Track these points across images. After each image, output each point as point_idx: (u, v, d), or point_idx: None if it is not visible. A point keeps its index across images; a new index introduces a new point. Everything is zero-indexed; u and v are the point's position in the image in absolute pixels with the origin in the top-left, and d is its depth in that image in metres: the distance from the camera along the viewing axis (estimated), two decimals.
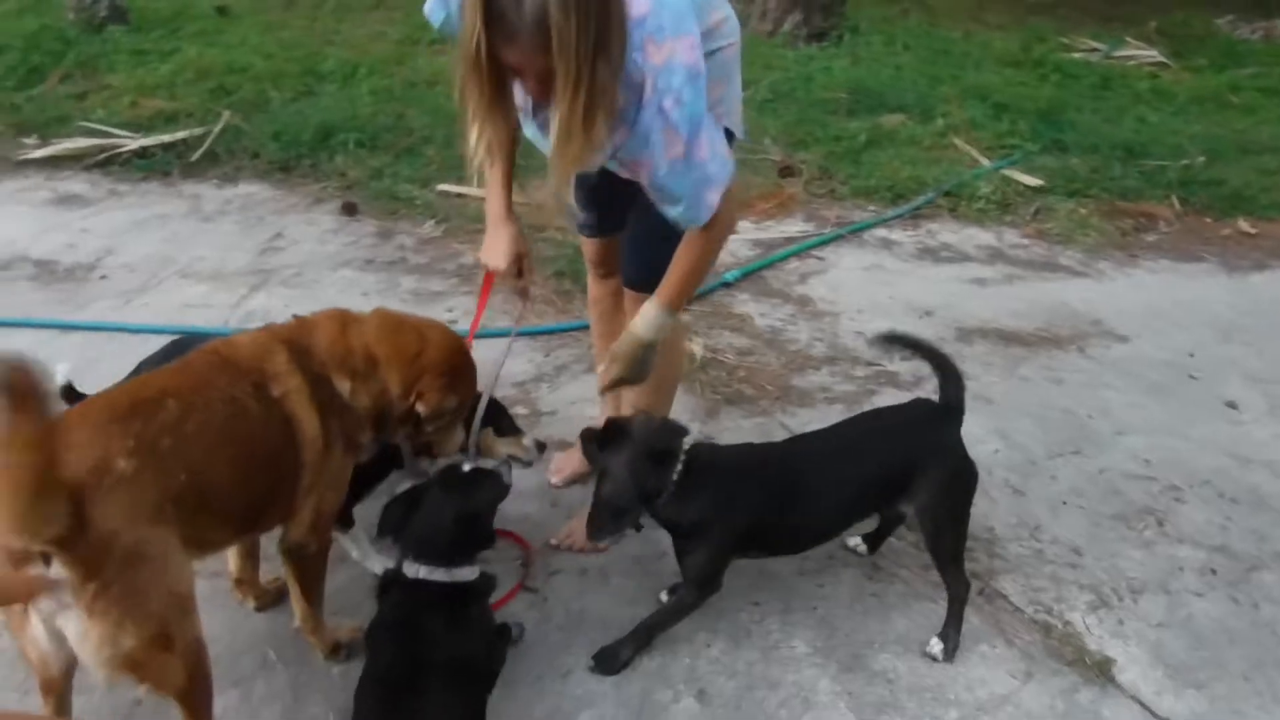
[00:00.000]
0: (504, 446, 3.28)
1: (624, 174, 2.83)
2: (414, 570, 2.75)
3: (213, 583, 3.19)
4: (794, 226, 5.81)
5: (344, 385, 2.74)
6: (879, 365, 4.57)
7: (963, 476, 3.18)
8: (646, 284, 3.18)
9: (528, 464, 3.33)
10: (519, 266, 3.09)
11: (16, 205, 5.64)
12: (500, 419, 3.32)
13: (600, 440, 3.00)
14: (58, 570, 2.14)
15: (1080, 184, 6.39)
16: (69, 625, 2.21)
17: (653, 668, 3.06)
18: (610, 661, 3.08)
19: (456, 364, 2.94)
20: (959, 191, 6.25)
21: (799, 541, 3.24)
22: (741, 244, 5.57)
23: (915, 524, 3.25)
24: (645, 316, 2.96)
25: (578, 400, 4.13)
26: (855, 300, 5.08)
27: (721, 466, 3.06)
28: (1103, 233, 5.95)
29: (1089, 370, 4.69)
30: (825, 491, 3.10)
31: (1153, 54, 8.86)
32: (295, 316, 2.86)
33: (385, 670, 2.64)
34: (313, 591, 2.94)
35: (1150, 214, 6.20)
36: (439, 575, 2.74)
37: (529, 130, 2.92)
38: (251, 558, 3.14)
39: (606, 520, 2.98)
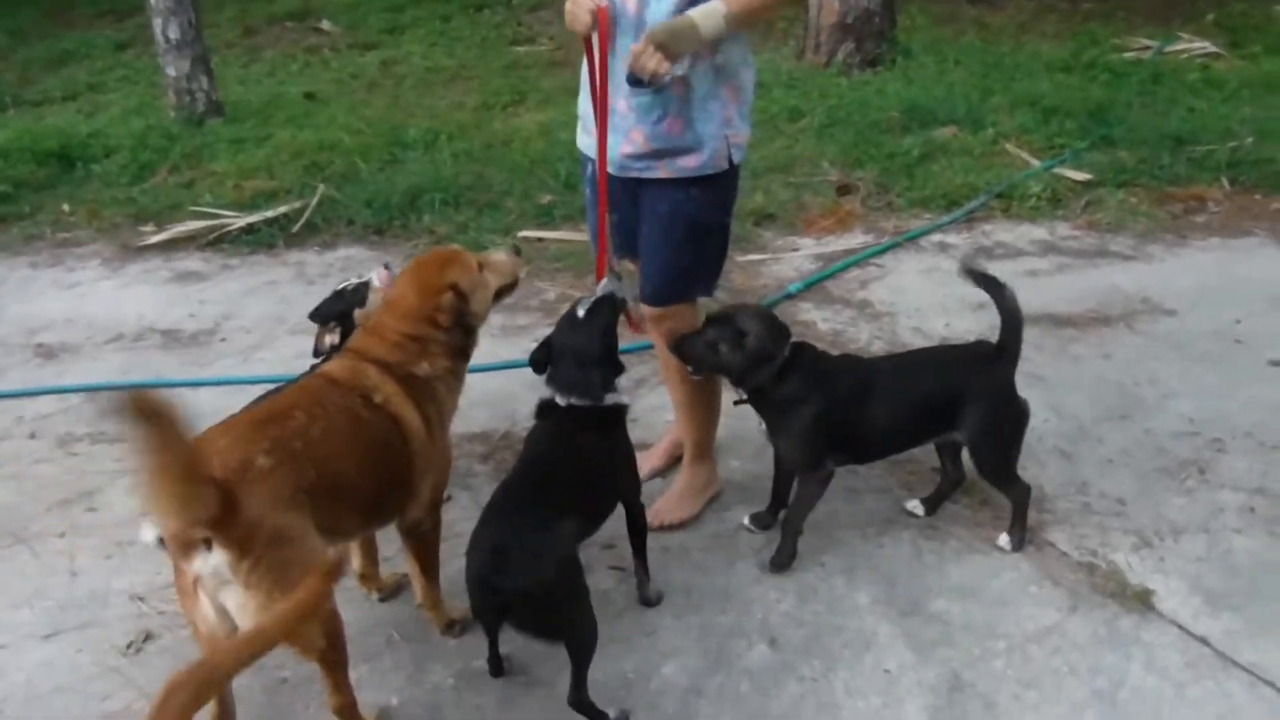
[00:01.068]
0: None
1: None
2: (565, 399, 3.29)
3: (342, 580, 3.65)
4: (854, 240, 6.16)
5: (423, 367, 3.21)
6: None
7: (1010, 409, 3.60)
8: (663, 298, 3.67)
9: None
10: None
11: (141, 285, 6.19)
12: None
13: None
14: (218, 553, 2.60)
15: (1129, 175, 6.61)
16: (230, 599, 2.65)
17: (728, 623, 3.42)
18: (780, 560, 3.62)
19: (442, 273, 3.30)
20: (1011, 193, 6.52)
21: (870, 444, 3.68)
22: (803, 259, 5.94)
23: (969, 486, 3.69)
24: (708, 6, 3.21)
25: (655, 408, 4.50)
26: (913, 301, 5.40)
27: (816, 360, 3.57)
28: (1153, 218, 6.18)
29: (1137, 344, 4.94)
30: (891, 398, 3.57)
31: (1205, 45, 8.99)
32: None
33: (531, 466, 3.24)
34: (430, 569, 3.38)
35: (1200, 196, 6.41)
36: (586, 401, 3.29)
37: None
38: (371, 555, 3.58)
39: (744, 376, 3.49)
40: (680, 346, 3.55)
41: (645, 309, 3.74)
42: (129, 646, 3.44)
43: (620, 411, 3.40)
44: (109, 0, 13.86)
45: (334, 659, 2.89)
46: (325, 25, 12.14)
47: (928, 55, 8.99)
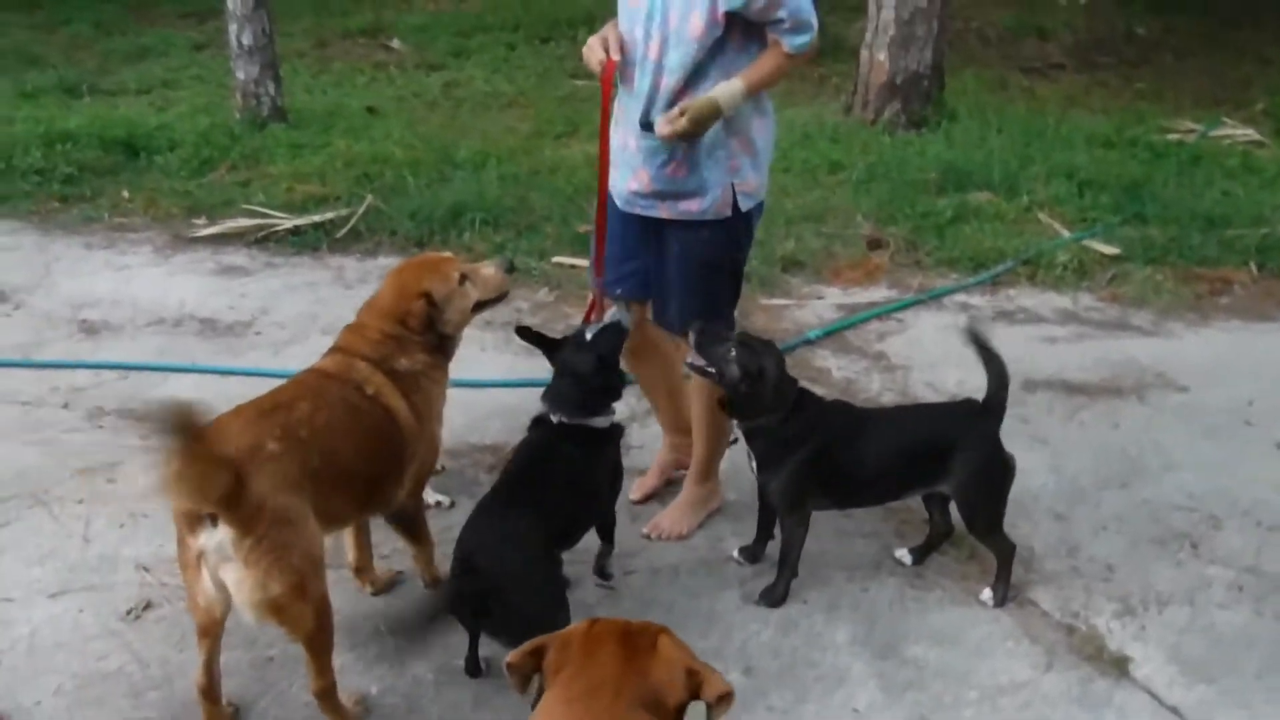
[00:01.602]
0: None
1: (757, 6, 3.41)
2: (556, 416, 3.45)
3: (337, 572, 3.77)
4: (878, 293, 6.25)
5: (402, 362, 3.38)
6: None
7: (996, 464, 3.70)
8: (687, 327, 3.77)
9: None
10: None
11: (187, 274, 6.40)
12: None
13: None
14: (222, 529, 2.75)
15: (1158, 252, 6.64)
16: (229, 574, 2.81)
17: (708, 647, 3.49)
18: (774, 598, 3.72)
19: (417, 276, 3.49)
20: (1038, 260, 6.57)
21: (856, 490, 3.80)
22: (826, 307, 6.04)
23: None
24: (726, 87, 3.44)
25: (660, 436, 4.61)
26: (929, 356, 5.48)
27: (814, 404, 3.72)
28: (1177, 296, 6.21)
29: (1146, 416, 4.99)
30: (881, 447, 3.71)
31: (1250, 133, 9.01)
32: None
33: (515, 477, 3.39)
34: (421, 535, 3.61)
35: (1226, 278, 6.44)
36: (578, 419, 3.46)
37: None
38: (365, 550, 3.72)
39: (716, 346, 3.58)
40: (702, 339, 3.60)
41: (669, 336, 3.97)
42: (129, 613, 3.60)
43: (608, 433, 3.54)
44: (191, 2, 14.24)
45: (320, 642, 3.02)
46: (395, 44, 12.40)
47: (972, 119, 9.07)
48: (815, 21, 3.51)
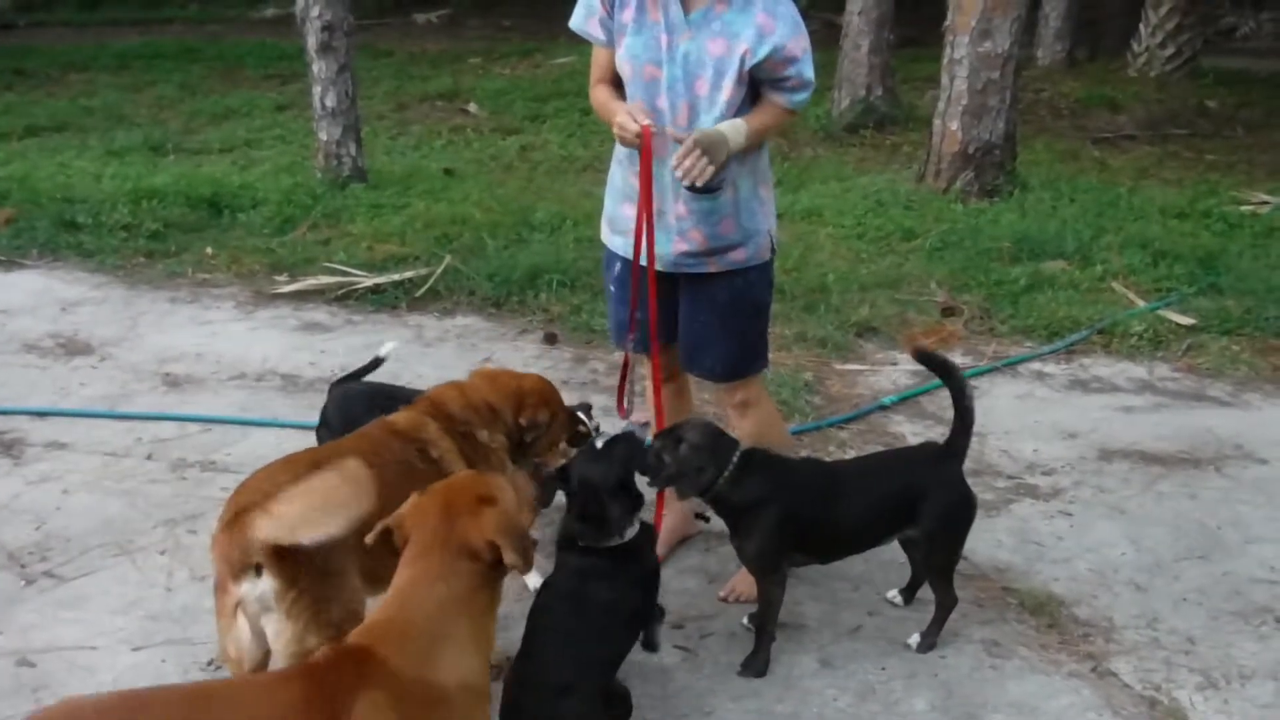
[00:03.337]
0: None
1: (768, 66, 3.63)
2: (585, 541, 3.37)
3: None
4: (953, 360, 6.23)
5: (483, 433, 3.49)
6: (1019, 479, 4.94)
7: (959, 505, 3.77)
8: (734, 373, 4.03)
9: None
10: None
11: (269, 330, 6.54)
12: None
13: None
14: (266, 579, 2.79)
15: (1234, 323, 6.57)
16: (269, 624, 2.84)
17: (784, 712, 3.50)
18: (754, 665, 3.70)
19: (543, 388, 3.77)
20: (1113, 330, 6.53)
21: (833, 543, 3.83)
22: (901, 373, 6.03)
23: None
24: (730, 124, 3.61)
25: None
26: (1004, 423, 5.46)
27: (769, 463, 3.73)
28: (1254, 367, 6.14)
29: (1225, 488, 4.93)
30: (853, 497, 3.75)
31: None
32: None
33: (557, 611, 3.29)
34: None
35: None
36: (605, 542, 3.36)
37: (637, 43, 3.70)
38: None
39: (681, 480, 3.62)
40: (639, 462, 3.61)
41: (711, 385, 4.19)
42: (210, 663, 3.65)
43: (638, 541, 3.43)
44: (275, 65, 14.66)
45: None
46: (472, 108, 12.66)
47: (1045, 190, 9.07)
48: (814, 81, 3.75)
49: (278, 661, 2.89)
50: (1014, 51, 8.89)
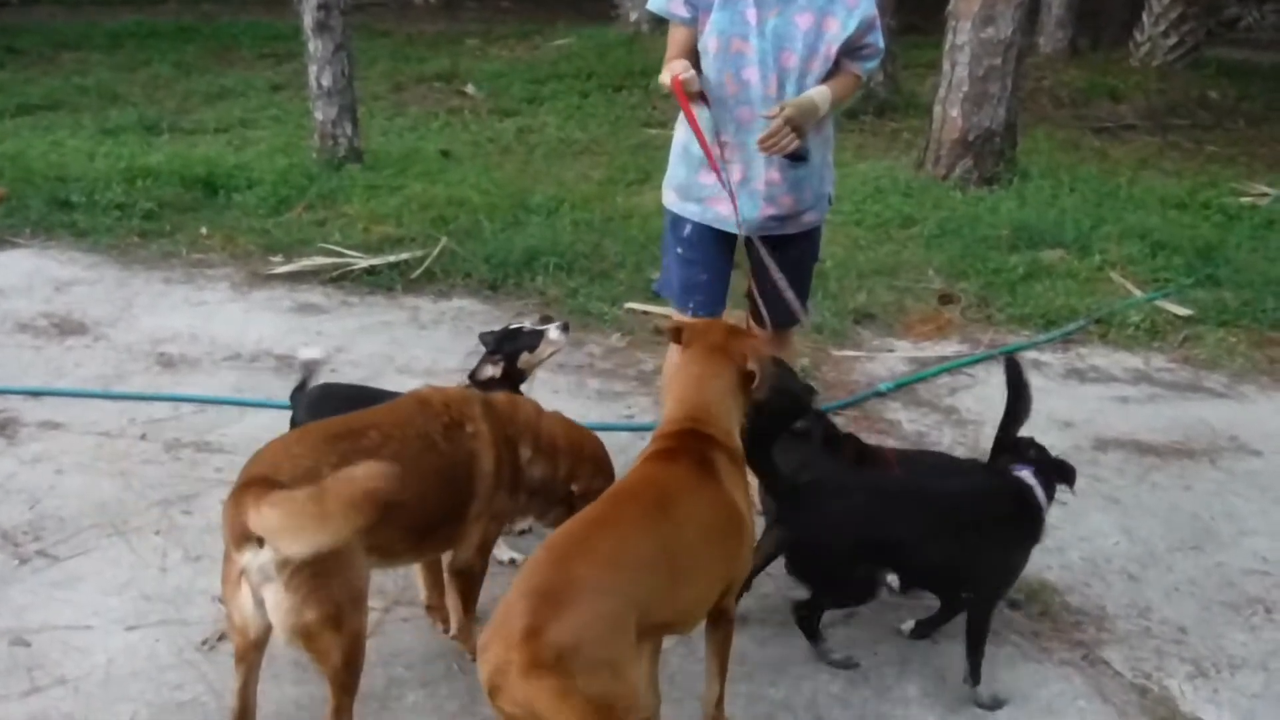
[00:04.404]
0: None
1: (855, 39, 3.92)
2: None
3: (410, 608, 3.82)
4: (949, 348, 6.23)
5: (525, 452, 3.44)
6: None
7: None
8: (792, 319, 4.34)
9: None
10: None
11: (264, 311, 6.51)
12: None
13: None
14: (267, 550, 2.78)
15: (1230, 315, 6.58)
16: (269, 595, 2.84)
17: (777, 696, 3.51)
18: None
19: (605, 463, 3.67)
20: (1110, 319, 6.53)
21: None
22: (898, 360, 6.04)
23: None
24: (818, 91, 3.88)
25: None
26: (1000, 412, 5.43)
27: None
28: (1250, 360, 6.14)
29: (1219, 480, 4.93)
30: None
31: None
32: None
33: None
34: (469, 606, 3.54)
35: None
36: None
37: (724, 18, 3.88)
38: (439, 588, 3.71)
39: None
40: None
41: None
42: (204, 643, 3.65)
43: None
44: (270, 44, 14.60)
45: (345, 680, 3.00)
46: (469, 89, 12.62)
47: (1045, 179, 9.06)
48: (884, 49, 4.08)
49: (276, 633, 2.90)
50: (1016, 38, 8.87)
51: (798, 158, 3.98)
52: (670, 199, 4.31)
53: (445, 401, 3.36)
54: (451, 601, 3.59)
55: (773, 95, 3.89)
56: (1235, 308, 6.67)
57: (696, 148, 4.02)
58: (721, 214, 4.10)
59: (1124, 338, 6.41)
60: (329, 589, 2.85)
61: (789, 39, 3.86)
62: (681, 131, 4.17)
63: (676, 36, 4.02)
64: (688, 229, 4.25)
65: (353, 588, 2.93)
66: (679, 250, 4.31)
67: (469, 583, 3.51)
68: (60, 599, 3.86)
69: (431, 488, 3.22)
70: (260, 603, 2.87)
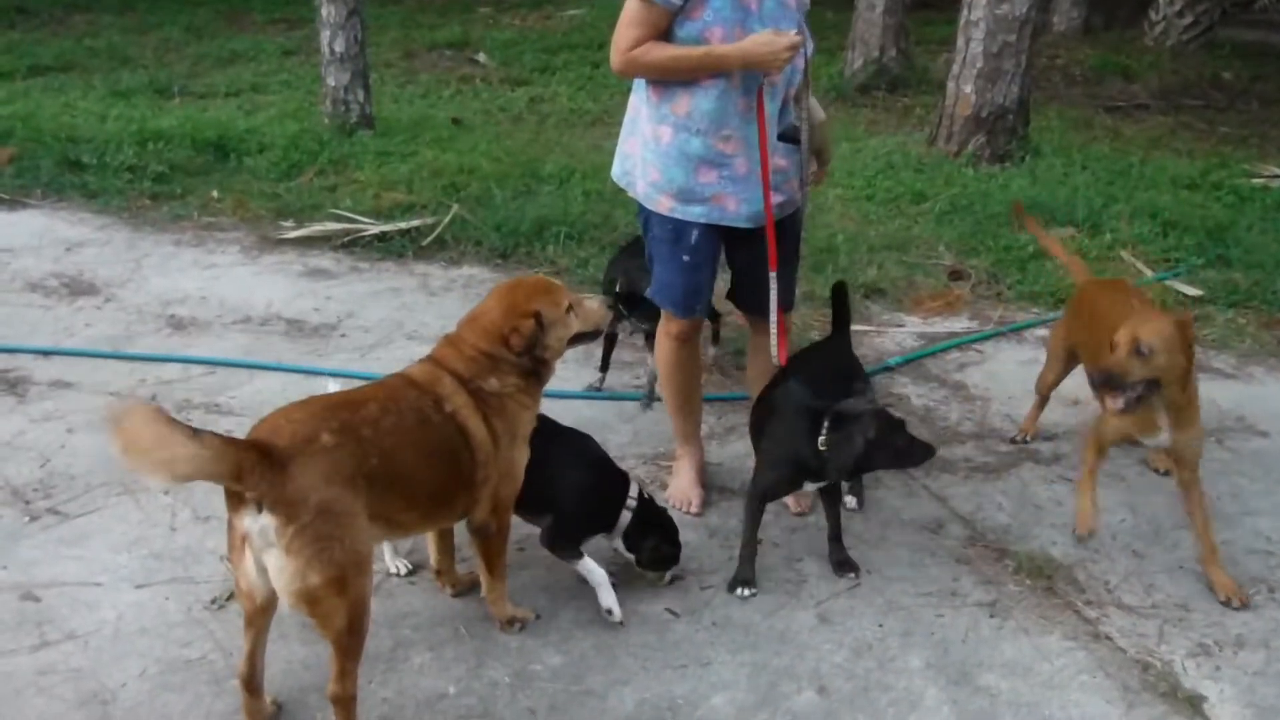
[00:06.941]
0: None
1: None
2: None
3: (419, 573, 3.85)
4: (958, 324, 6.23)
5: (492, 382, 3.37)
6: (1021, 443, 4.95)
7: None
8: (793, 301, 4.42)
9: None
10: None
11: (274, 275, 6.53)
12: None
13: None
14: (266, 515, 2.80)
15: (1240, 296, 6.56)
16: (271, 560, 2.85)
17: (781, 665, 3.53)
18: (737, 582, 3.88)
19: (513, 300, 3.47)
20: None
21: None
22: (907, 335, 6.04)
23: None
24: (815, 102, 4.12)
25: (742, 455, 4.63)
26: (1008, 388, 5.46)
27: None
28: (1259, 341, 6.13)
29: (1225, 459, 4.93)
30: None
31: None
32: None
33: None
34: (495, 567, 3.55)
35: None
36: None
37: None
38: (447, 553, 3.75)
39: None
40: None
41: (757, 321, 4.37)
42: (213, 602, 3.69)
43: None
44: (282, 9, 14.55)
45: (349, 644, 3.00)
46: (481, 58, 12.57)
47: (1057, 157, 9.02)
48: None
49: (280, 598, 2.91)
50: (1031, 15, 8.81)
51: (793, 140, 3.97)
52: (667, 205, 4.03)
53: (424, 381, 3.33)
54: (478, 563, 3.61)
55: (776, 82, 3.87)
56: (1245, 289, 6.65)
57: (702, 145, 3.90)
58: (730, 210, 4.00)
59: None
60: (330, 553, 2.85)
61: (785, 20, 3.82)
62: (668, 131, 3.95)
63: (652, 19, 3.78)
64: (694, 235, 4.04)
65: (355, 552, 2.93)
66: (685, 259, 4.09)
67: (490, 543, 3.51)
68: (70, 556, 3.89)
69: (436, 462, 3.23)
70: (262, 568, 2.88)
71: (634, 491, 3.77)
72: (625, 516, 3.74)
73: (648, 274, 4.29)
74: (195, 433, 2.70)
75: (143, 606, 3.65)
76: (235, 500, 2.85)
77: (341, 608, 2.91)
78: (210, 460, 2.71)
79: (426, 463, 3.20)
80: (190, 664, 3.42)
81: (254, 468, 2.77)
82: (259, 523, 2.81)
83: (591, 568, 3.68)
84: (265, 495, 2.79)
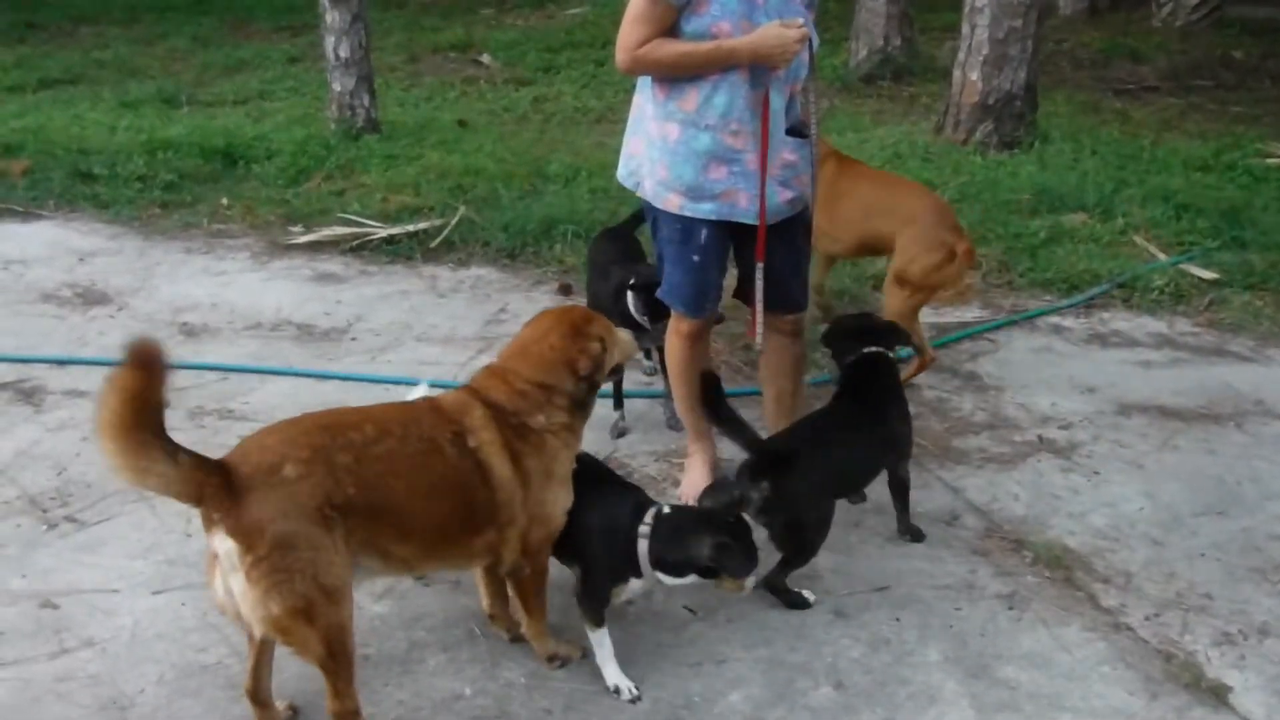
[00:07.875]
0: None
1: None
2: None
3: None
4: (970, 313, 6.19)
5: (538, 419, 3.25)
6: (1036, 433, 4.92)
7: None
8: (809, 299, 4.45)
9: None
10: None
11: (284, 280, 6.54)
12: None
13: None
14: (228, 539, 2.75)
15: (1257, 278, 6.51)
16: (235, 584, 2.79)
17: (797, 660, 3.51)
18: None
19: (573, 323, 3.39)
20: (1133, 284, 6.47)
21: None
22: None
23: None
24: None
25: None
26: (1021, 377, 5.43)
27: None
28: (1276, 323, 6.07)
29: (1244, 444, 4.89)
30: None
31: None
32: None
33: None
34: (531, 605, 3.41)
35: None
36: None
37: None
38: (499, 596, 3.56)
39: None
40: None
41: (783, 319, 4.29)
42: None
43: None
44: (286, 16, 14.57)
45: (333, 668, 2.92)
46: (485, 59, 12.55)
47: (1066, 142, 8.97)
48: None
49: (250, 626, 2.88)
50: (1037, 0, 8.77)
51: (802, 134, 3.94)
52: (676, 203, 3.97)
53: (453, 409, 3.20)
54: (518, 603, 3.47)
55: (780, 75, 3.81)
56: (1262, 270, 6.59)
57: (702, 143, 3.87)
58: (740, 206, 3.93)
59: (1148, 302, 6.35)
60: (291, 585, 2.76)
61: (789, 12, 3.76)
62: (675, 128, 3.91)
63: (658, 17, 3.73)
64: (704, 233, 4.00)
65: (322, 583, 2.82)
66: (695, 258, 4.05)
67: (524, 584, 3.37)
68: (87, 563, 3.90)
69: (442, 497, 3.09)
70: (229, 589, 2.82)
71: (649, 517, 3.34)
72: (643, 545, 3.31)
73: (652, 278, 4.31)
74: (173, 450, 2.70)
75: (159, 612, 3.66)
76: (207, 519, 2.81)
77: (313, 636, 2.84)
78: (175, 480, 2.70)
79: (425, 495, 3.05)
80: (206, 669, 3.42)
81: (215, 494, 2.74)
82: (225, 545, 2.76)
83: (604, 641, 3.42)
84: (223, 522, 2.75)
